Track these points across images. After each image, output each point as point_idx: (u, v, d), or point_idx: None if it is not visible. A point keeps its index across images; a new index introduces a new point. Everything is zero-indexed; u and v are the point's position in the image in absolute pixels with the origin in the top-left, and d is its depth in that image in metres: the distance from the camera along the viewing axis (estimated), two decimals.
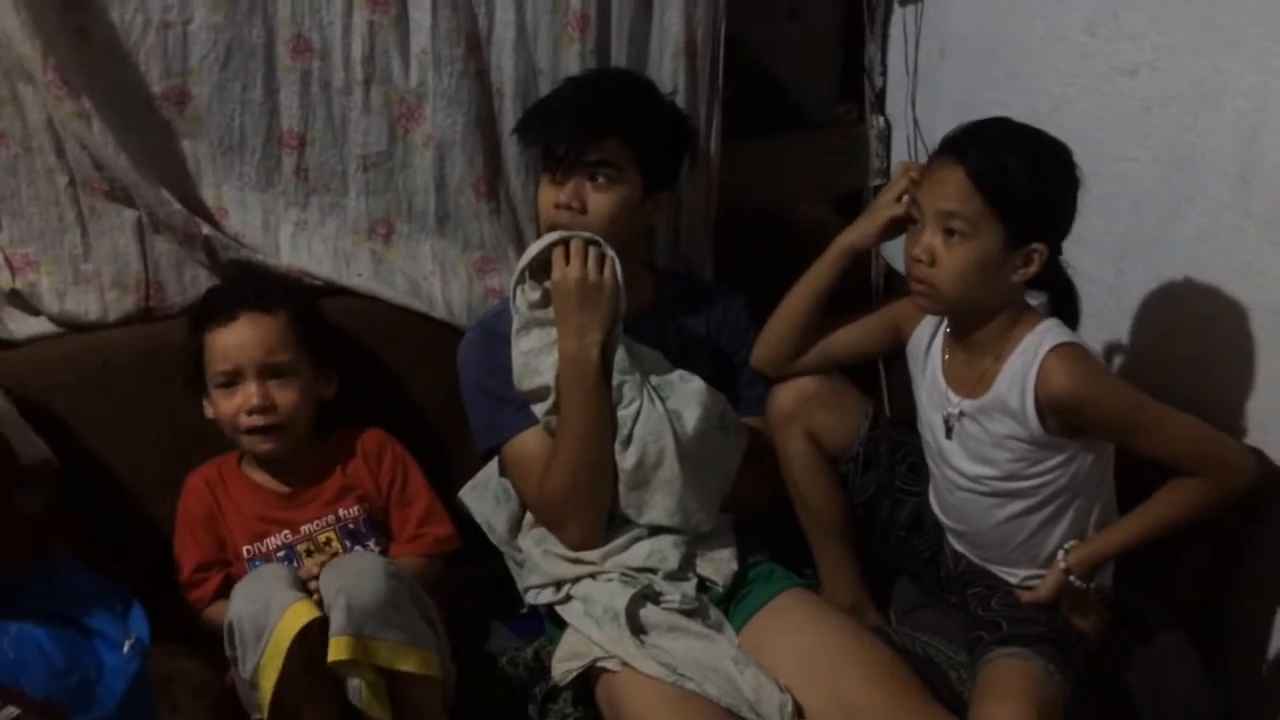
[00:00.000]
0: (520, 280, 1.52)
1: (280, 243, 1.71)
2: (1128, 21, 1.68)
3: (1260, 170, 1.52)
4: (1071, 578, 1.44)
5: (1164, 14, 1.62)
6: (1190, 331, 1.66)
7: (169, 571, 1.53)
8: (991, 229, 1.37)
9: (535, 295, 1.51)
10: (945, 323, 1.54)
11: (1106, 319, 1.75)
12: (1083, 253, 1.57)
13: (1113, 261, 1.75)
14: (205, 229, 1.63)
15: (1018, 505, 1.47)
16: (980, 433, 1.46)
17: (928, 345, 1.55)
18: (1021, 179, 1.37)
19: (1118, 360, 1.75)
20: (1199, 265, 1.63)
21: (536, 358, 1.51)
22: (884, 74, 2.19)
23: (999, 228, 1.37)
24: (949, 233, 1.39)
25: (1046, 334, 1.42)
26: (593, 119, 1.54)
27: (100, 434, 1.56)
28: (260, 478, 1.59)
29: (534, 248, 1.51)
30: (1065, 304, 1.50)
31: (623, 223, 1.56)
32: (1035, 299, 1.50)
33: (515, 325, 1.52)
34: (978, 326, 1.47)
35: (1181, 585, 1.60)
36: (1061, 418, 1.40)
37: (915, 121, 2.10)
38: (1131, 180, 1.71)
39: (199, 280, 1.68)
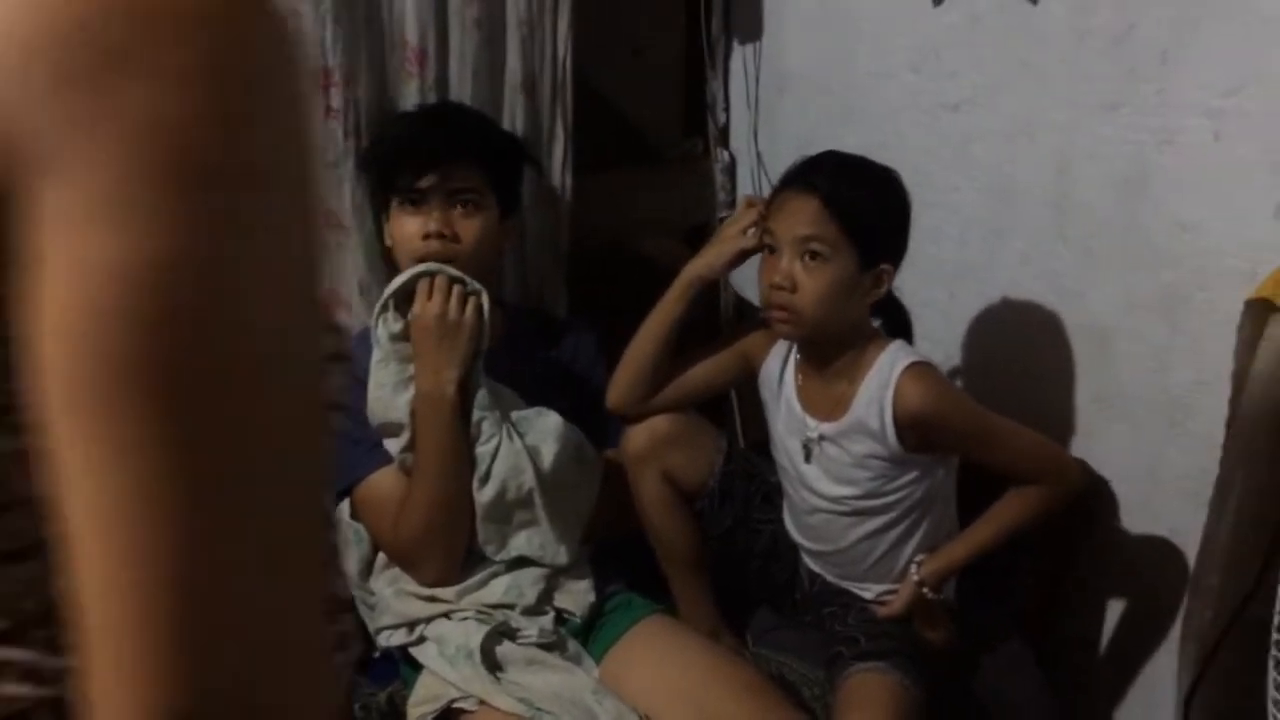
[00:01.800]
0: (383, 310, 1.50)
1: None
2: (949, 60, 1.78)
3: (1071, 199, 1.63)
4: (925, 590, 1.50)
5: (981, 53, 1.72)
6: (1017, 351, 1.75)
7: None
8: (846, 252, 1.45)
9: (397, 327, 1.49)
10: (795, 350, 1.59)
11: (940, 340, 1.84)
12: (917, 279, 1.65)
13: (944, 286, 1.84)
14: None
15: (875, 522, 1.53)
16: (840, 454, 1.51)
17: (780, 373, 1.60)
18: (868, 204, 1.48)
19: (954, 379, 1.84)
20: (1022, 288, 1.72)
21: (393, 392, 1.49)
22: (727, 110, 2.25)
23: (852, 251, 1.46)
24: (810, 256, 1.46)
25: (898, 354, 1.50)
26: (453, 146, 1.55)
27: None
28: None
29: (400, 278, 1.50)
30: (900, 326, 1.59)
31: (487, 248, 1.59)
32: (874, 322, 1.57)
33: (376, 356, 1.51)
34: (833, 351, 1.52)
35: (1020, 593, 1.69)
36: (919, 433, 1.47)
37: (758, 155, 2.17)
38: (958, 210, 1.80)
39: None
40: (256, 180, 0.39)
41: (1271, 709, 0.84)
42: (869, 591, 1.58)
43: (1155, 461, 1.57)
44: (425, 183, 1.53)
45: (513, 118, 1.84)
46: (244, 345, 0.39)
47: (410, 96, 1.74)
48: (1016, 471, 1.50)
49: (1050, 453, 1.52)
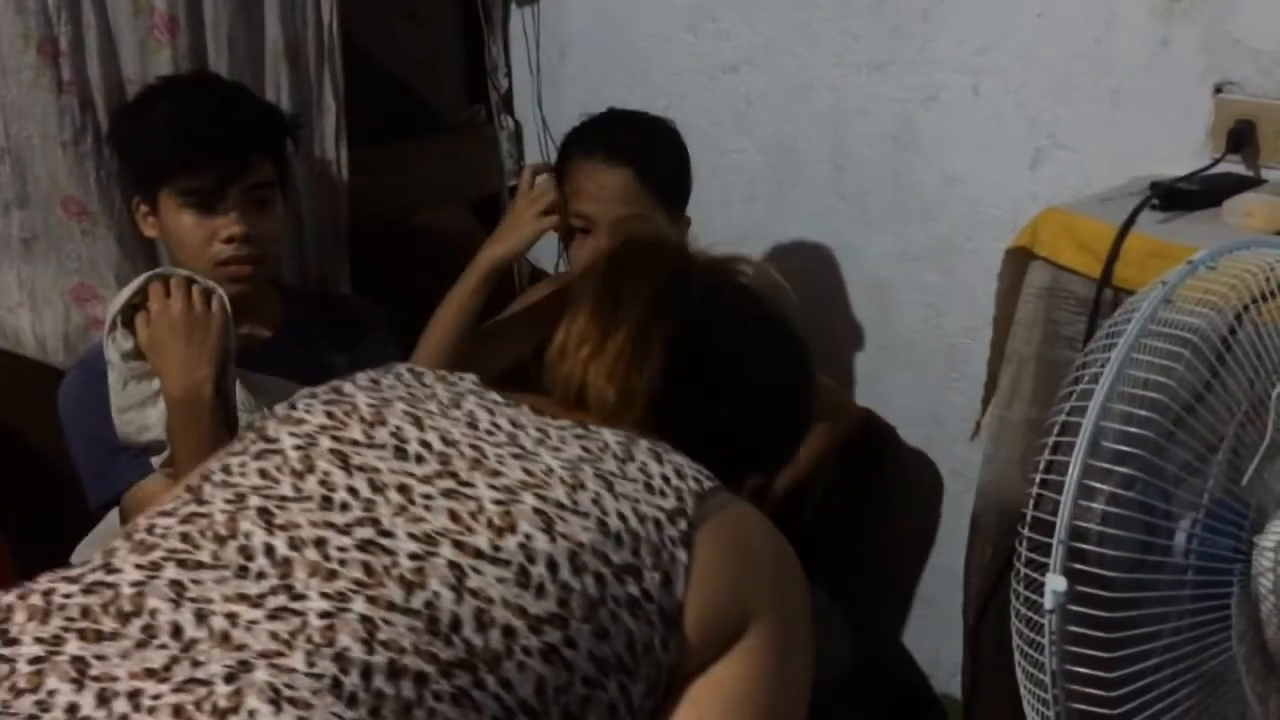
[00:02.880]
0: (112, 328, 1.38)
1: None
2: (725, 21, 1.79)
3: (847, 156, 1.67)
4: None
5: (754, 14, 1.74)
6: (807, 306, 1.80)
7: None
8: (660, 218, 1.40)
9: (128, 345, 1.36)
10: None
11: None
12: (705, 240, 1.66)
13: (731, 246, 1.86)
14: None
15: None
16: None
17: None
18: (674, 167, 1.48)
19: None
20: (807, 246, 1.77)
21: (141, 412, 1.38)
22: (509, 75, 2.20)
23: (661, 213, 1.42)
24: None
25: None
26: (245, 141, 1.42)
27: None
28: None
29: (126, 290, 1.37)
30: None
31: (284, 239, 1.52)
32: None
33: (111, 379, 1.39)
34: None
35: (812, 538, 1.72)
36: None
37: (543, 121, 2.14)
38: (742, 170, 1.82)
39: None
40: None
41: (1017, 639, 0.89)
42: None
43: (937, 405, 1.65)
44: (216, 183, 1.41)
45: (277, 88, 1.73)
46: None
47: (162, 68, 1.62)
48: None
49: (836, 394, 1.60)
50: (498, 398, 0.82)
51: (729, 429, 0.86)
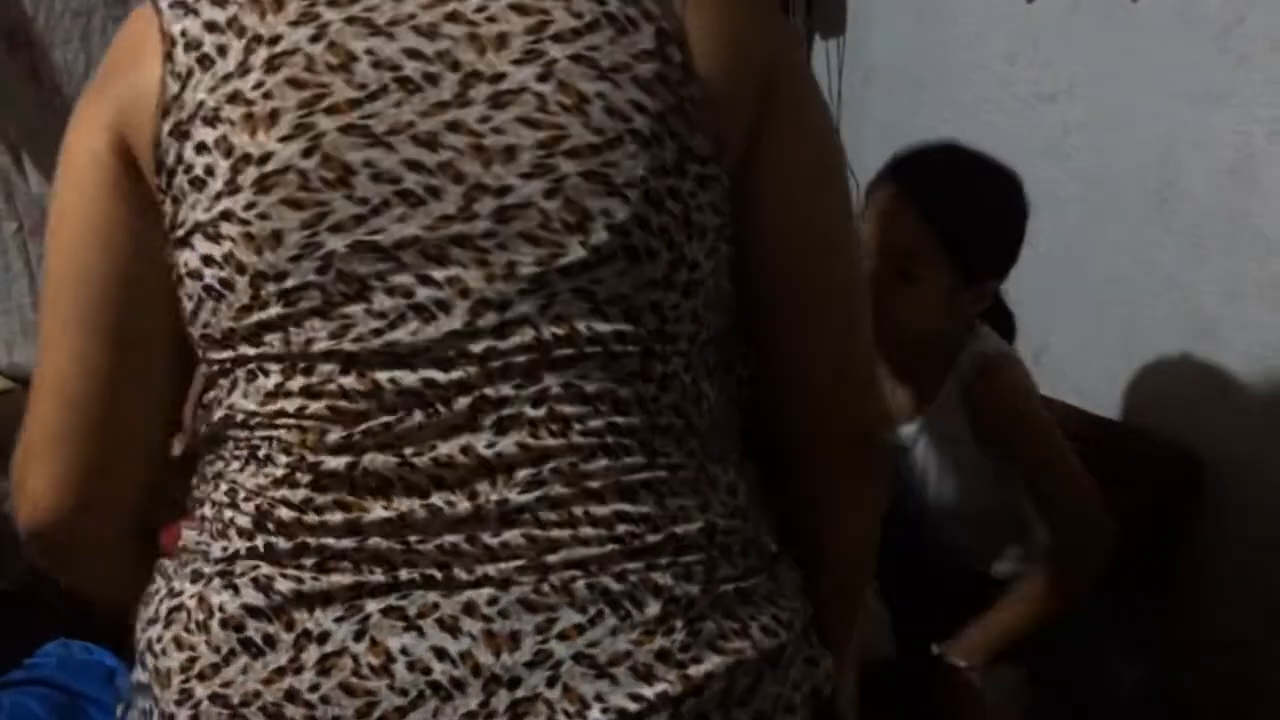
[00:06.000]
0: None
1: None
2: (1045, 49, 1.78)
3: (1175, 189, 1.62)
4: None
5: (1078, 43, 1.72)
6: (1115, 345, 1.75)
7: None
8: (945, 267, 1.31)
9: None
10: None
11: (1033, 335, 1.83)
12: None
13: (1035, 279, 1.83)
14: None
15: None
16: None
17: None
18: (969, 204, 1.33)
19: (1063, 376, 1.82)
20: (1124, 278, 1.72)
21: None
22: None
23: (951, 266, 1.31)
24: (902, 274, 1.31)
25: (987, 341, 1.40)
26: None
27: None
28: None
29: None
30: (1002, 329, 1.49)
31: None
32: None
33: None
34: (911, 363, 1.42)
35: None
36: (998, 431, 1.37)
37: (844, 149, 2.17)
38: (1053, 201, 1.80)
39: None
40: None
41: None
42: None
43: (1264, 448, 1.56)
44: None
45: None
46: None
47: None
48: (1046, 511, 1.37)
49: (1087, 507, 1.34)
50: None
51: None
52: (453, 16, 0.64)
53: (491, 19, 0.64)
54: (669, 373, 0.67)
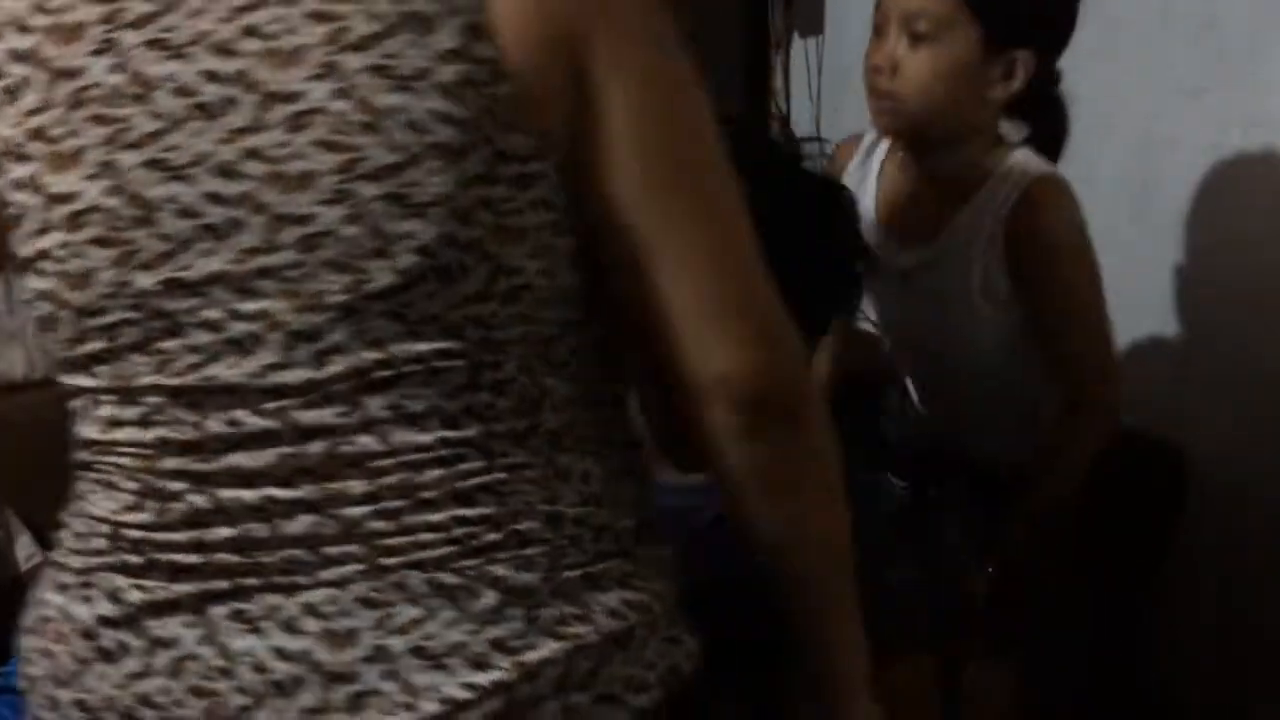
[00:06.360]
0: None
1: None
2: None
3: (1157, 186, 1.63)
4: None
5: None
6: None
7: None
8: (963, 30, 1.19)
9: None
10: (886, 149, 1.34)
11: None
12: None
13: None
14: None
15: None
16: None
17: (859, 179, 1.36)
18: None
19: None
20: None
21: None
22: (788, 100, 2.26)
23: (973, 28, 1.19)
24: (914, 37, 1.20)
25: (1029, 160, 1.24)
26: None
27: (37, 497, 1.48)
28: None
29: None
30: (1050, 141, 1.31)
31: None
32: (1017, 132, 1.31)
33: None
34: (936, 158, 1.28)
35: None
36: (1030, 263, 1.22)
37: (821, 144, 2.18)
38: None
39: None
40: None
41: None
42: None
43: None
44: None
45: None
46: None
47: None
48: (1066, 366, 1.26)
49: (1110, 363, 1.25)
50: None
51: None
52: (250, 31, 0.62)
53: (291, 30, 0.62)
54: (503, 379, 0.66)
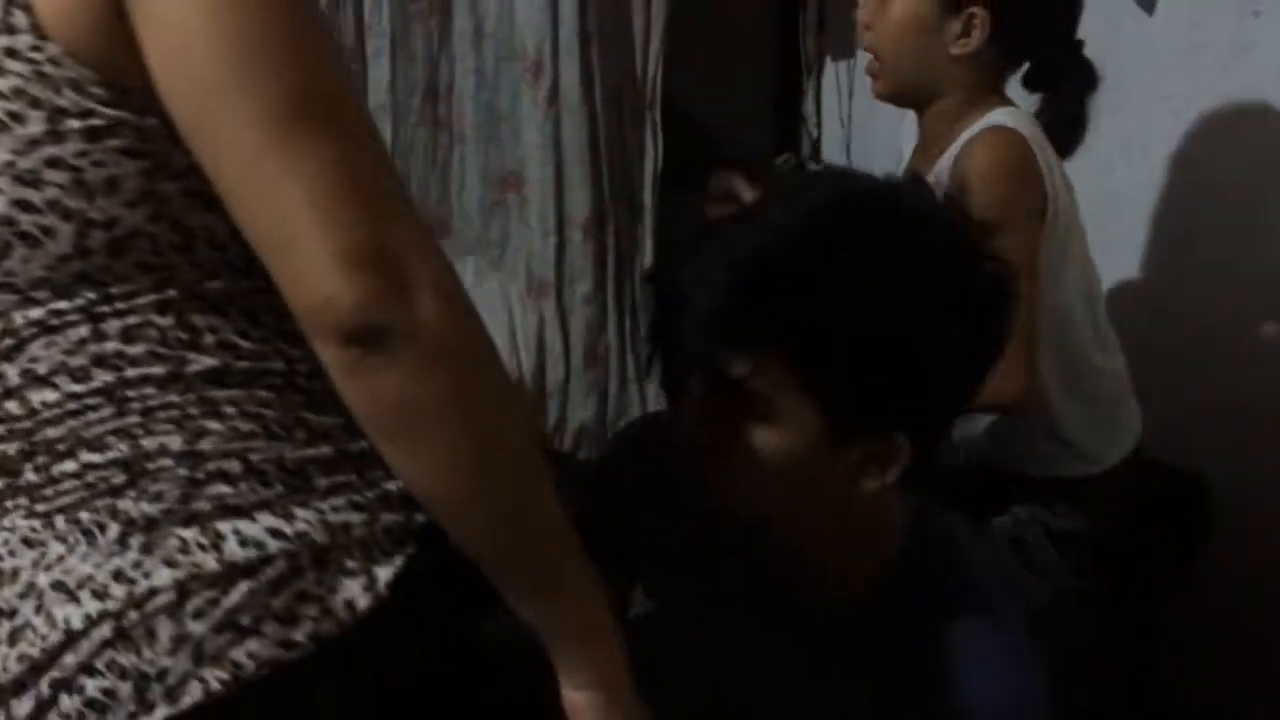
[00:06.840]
0: None
1: None
2: None
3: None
4: None
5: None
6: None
7: None
8: None
9: None
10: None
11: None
12: None
13: None
14: None
15: None
16: None
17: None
18: None
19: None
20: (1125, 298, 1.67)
21: None
22: (819, 125, 2.24)
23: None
24: None
25: (998, 116, 1.24)
26: None
27: None
28: None
29: None
30: (1071, 115, 1.28)
31: None
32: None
33: None
34: (930, 120, 1.29)
35: None
36: None
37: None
38: None
39: None
40: None
41: None
42: None
43: None
44: None
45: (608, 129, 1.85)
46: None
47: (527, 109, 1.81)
48: None
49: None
50: None
51: None
52: None
53: None
54: (131, 325, 0.67)
